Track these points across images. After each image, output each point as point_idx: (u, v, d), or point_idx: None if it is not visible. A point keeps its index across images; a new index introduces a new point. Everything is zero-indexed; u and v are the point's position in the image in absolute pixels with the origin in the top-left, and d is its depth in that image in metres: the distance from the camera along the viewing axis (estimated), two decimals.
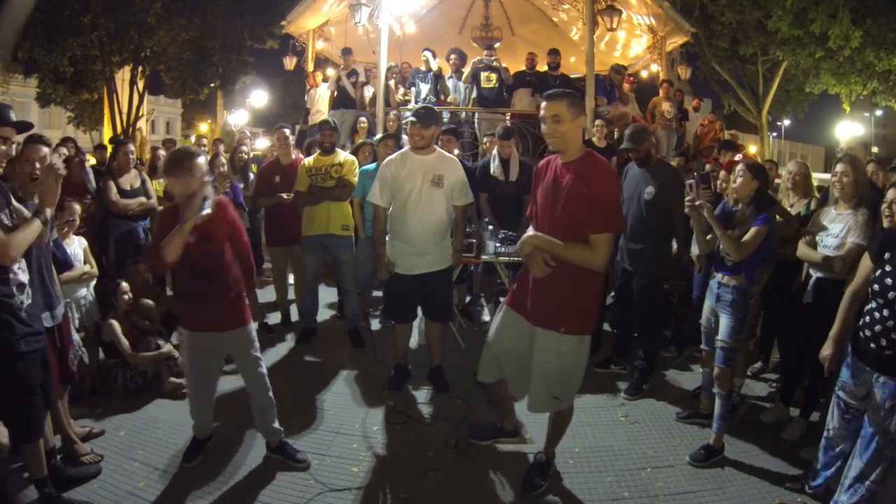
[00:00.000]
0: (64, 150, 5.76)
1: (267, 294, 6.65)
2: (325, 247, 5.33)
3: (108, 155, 6.09)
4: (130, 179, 5.47)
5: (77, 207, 4.37)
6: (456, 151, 6.11)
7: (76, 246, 4.36)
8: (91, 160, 7.31)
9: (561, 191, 3.01)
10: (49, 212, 2.87)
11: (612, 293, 5.44)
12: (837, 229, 3.62)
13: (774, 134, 35.38)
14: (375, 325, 6.08)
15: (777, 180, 5.82)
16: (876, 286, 2.75)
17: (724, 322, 3.65)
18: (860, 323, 2.86)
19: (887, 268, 2.72)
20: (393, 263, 4.34)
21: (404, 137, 6.63)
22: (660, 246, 4.59)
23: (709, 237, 3.85)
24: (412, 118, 4.27)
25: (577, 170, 2.99)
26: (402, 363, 4.68)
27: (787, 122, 36.50)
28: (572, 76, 10.00)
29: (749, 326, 4.35)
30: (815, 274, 3.79)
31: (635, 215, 4.58)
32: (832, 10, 14.29)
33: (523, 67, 9.48)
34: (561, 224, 2.99)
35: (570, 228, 2.95)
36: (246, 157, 6.61)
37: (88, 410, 4.15)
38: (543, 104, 3.03)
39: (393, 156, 4.43)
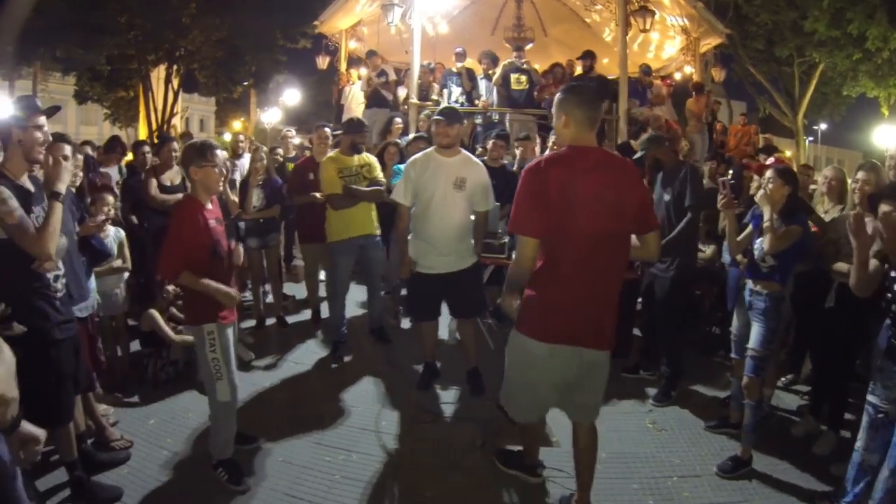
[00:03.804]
0: (88, 149, 5.93)
1: (298, 290, 6.77)
2: (363, 247, 5.21)
3: (139, 153, 6.21)
4: (171, 176, 5.57)
5: (110, 199, 4.43)
6: (505, 161, 6.11)
7: (111, 238, 4.45)
8: (129, 156, 7.49)
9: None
10: (61, 186, 2.87)
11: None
12: None
13: (811, 138, 34.62)
14: (406, 323, 6.11)
15: (812, 186, 5.72)
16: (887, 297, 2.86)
17: (756, 330, 3.60)
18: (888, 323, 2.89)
19: (885, 283, 2.84)
20: (415, 262, 4.36)
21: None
22: (680, 249, 4.55)
23: (740, 238, 3.84)
24: (437, 117, 4.30)
25: None
26: (431, 362, 4.70)
27: (823, 126, 35.70)
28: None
29: (780, 336, 4.31)
30: (838, 279, 3.75)
31: (662, 217, 4.59)
32: (870, 11, 13.97)
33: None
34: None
35: None
36: (281, 159, 6.74)
37: (119, 399, 4.27)
38: None
39: (417, 155, 4.44)
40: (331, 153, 5.34)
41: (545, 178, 2.71)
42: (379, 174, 5.27)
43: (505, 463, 3.53)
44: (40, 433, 1.89)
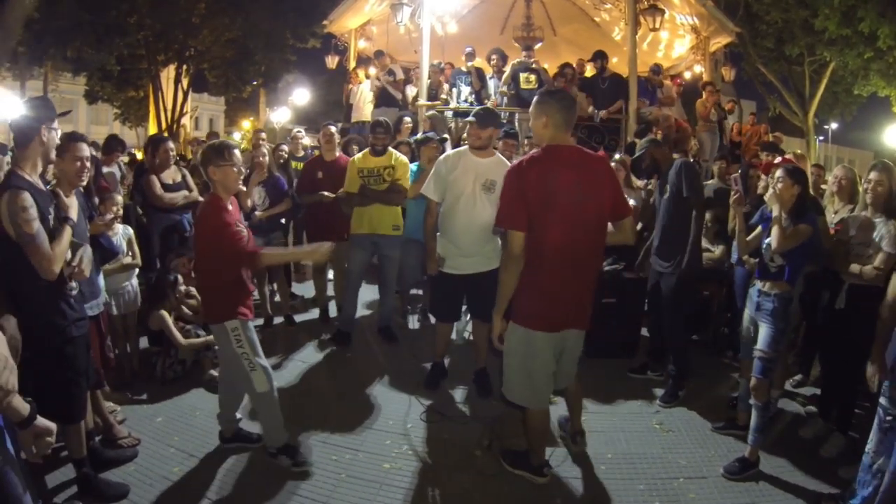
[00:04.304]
0: (92, 150, 5.94)
1: (306, 289, 6.79)
2: (375, 244, 5.27)
3: (149, 152, 6.24)
4: (171, 174, 5.63)
5: (119, 198, 4.48)
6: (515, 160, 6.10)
7: (120, 236, 4.49)
8: (139, 155, 7.56)
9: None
10: (73, 213, 3.05)
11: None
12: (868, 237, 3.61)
13: (821, 138, 34.32)
14: (413, 323, 6.13)
15: (823, 186, 5.69)
16: None
17: (764, 331, 3.59)
18: None
19: None
20: (442, 258, 4.35)
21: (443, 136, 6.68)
22: (683, 247, 4.53)
23: (749, 238, 3.82)
24: (470, 118, 4.27)
25: None
26: (440, 362, 4.70)
27: (834, 126, 35.44)
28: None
29: (789, 337, 4.29)
30: (850, 280, 3.75)
31: (662, 216, 4.63)
32: (881, 9, 13.79)
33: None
34: None
35: None
36: (286, 155, 6.76)
37: (127, 397, 4.29)
38: None
39: (450, 152, 4.46)
40: (359, 153, 5.41)
41: (527, 176, 3.01)
42: (404, 178, 5.23)
43: (511, 463, 3.52)
44: (52, 426, 1.93)
